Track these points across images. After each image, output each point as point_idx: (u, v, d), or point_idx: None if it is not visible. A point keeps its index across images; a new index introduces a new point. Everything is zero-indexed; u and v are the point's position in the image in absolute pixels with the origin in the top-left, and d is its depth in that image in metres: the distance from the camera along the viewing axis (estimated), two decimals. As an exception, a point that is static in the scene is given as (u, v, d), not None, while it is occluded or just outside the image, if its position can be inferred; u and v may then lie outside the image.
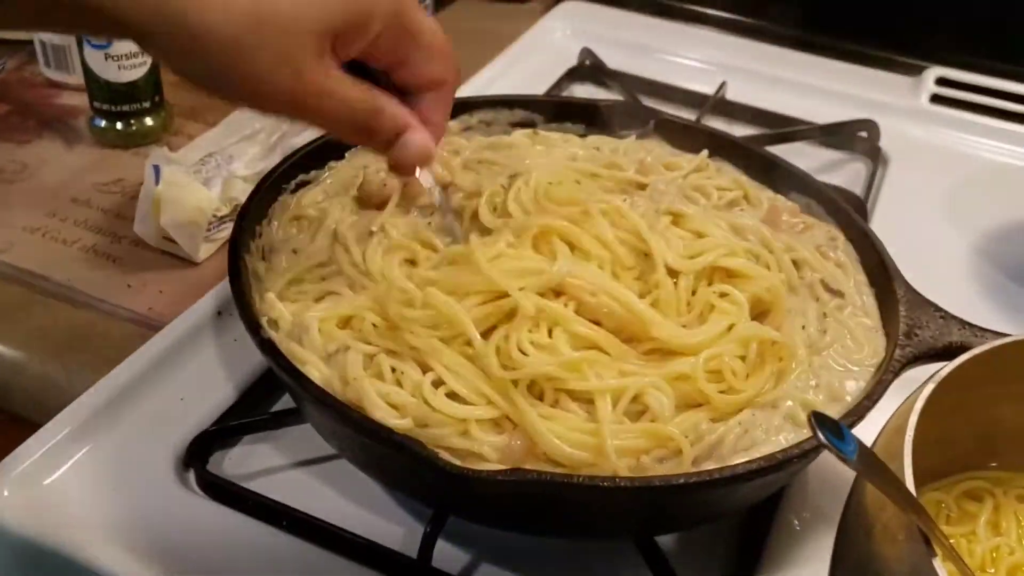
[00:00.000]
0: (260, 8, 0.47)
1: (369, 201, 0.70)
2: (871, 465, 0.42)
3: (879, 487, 0.42)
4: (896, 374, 0.60)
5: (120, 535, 0.61)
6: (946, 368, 0.51)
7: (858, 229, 0.72)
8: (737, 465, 0.53)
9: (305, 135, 0.90)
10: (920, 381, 0.52)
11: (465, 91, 1.08)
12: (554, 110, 0.84)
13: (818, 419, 0.40)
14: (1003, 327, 0.63)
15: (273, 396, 0.73)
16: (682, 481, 0.52)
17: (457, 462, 0.52)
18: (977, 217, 0.99)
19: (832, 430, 0.40)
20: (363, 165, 0.75)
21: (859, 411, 0.57)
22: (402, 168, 0.59)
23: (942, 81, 1.16)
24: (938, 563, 0.40)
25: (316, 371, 0.58)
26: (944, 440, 0.55)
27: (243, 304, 0.60)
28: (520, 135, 0.80)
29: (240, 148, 0.94)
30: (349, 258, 0.65)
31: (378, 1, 0.52)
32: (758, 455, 0.55)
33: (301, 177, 0.74)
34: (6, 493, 0.62)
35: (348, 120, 0.54)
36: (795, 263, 0.68)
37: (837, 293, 0.68)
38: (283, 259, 0.68)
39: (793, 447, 0.54)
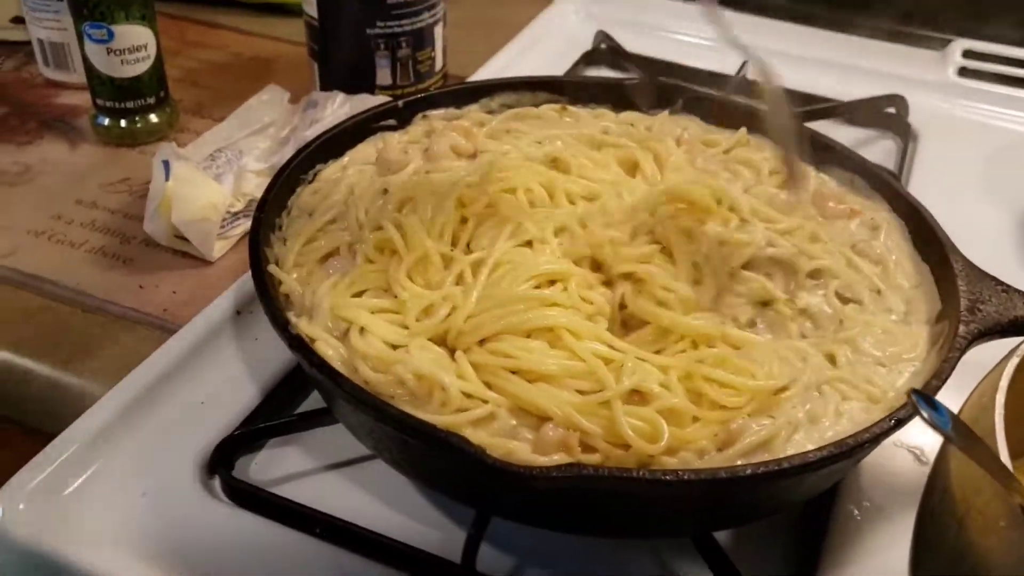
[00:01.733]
0: None
1: (389, 168, 0.68)
2: (968, 438, 0.38)
3: (978, 461, 0.38)
4: (963, 351, 0.57)
5: (144, 547, 0.57)
6: (1028, 341, 0.48)
7: (907, 204, 0.69)
8: (807, 453, 0.50)
9: (316, 128, 0.86)
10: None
11: (481, 76, 1.05)
12: (578, 91, 0.81)
13: (918, 394, 0.36)
14: (1055, 299, 0.60)
15: (299, 396, 0.69)
16: (749, 472, 0.48)
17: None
18: (1014, 189, 0.96)
19: (929, 404, 0.37)
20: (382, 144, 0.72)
21: (929, 391, 0.53)
22: None
23: (969, 54, 1.13)
24: (1050, 550, 0.37)
25: (330, 350, 0.55)
26: (1020, 420, 0.52)
27: (268, 299, 0.57)
28: (548, 108, 0.76)
29: (250, 142, 0.91)
30: (355, 213, 0.62)
31: None
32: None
33: (319, 167, 0.71)
34: (22, 507, 0.58)
35: None
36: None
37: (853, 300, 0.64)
38: (299, 224, 0.65)
39: (863, 431, 0.51)
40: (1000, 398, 0.44)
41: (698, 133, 0.73)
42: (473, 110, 0.78)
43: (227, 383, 0.68)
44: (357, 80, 0.96)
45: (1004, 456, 0.41)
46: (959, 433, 0.38)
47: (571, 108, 0.77)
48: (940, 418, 0.37)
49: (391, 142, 0.68)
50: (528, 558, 0.59)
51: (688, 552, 0.58)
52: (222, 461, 0.62)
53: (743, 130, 0.75)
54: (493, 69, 1.07)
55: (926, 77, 1.11)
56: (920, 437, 0.67)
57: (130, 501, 0.60)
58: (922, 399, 0.37)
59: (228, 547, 0.58)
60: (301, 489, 0.62)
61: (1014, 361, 0.46)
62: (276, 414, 0.67)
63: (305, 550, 0.58)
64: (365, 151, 0.73)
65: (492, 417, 0.53)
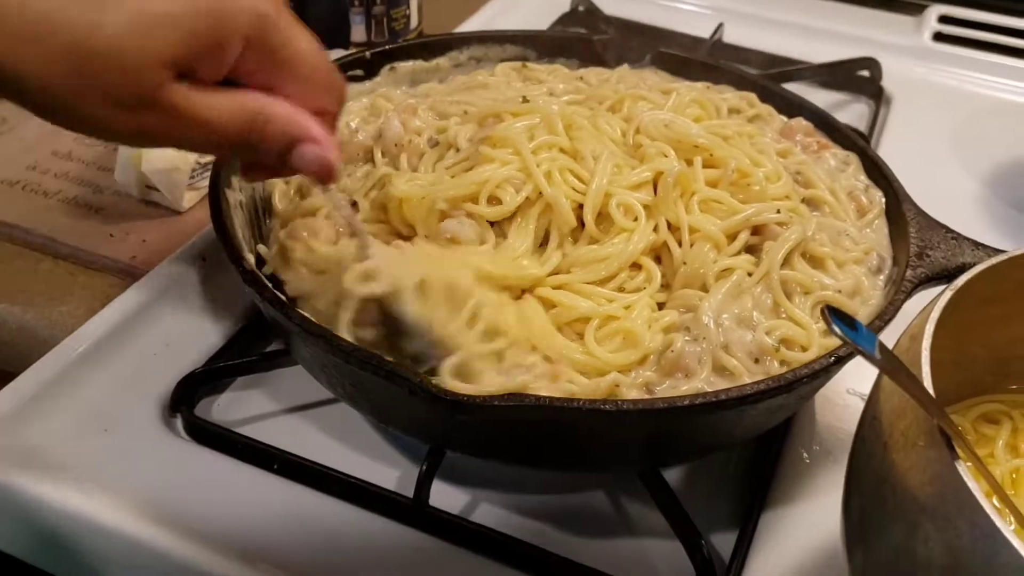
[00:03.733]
0: (77, 51, 0.41)
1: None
2: (892, 361, 0.39)
3: (899, 383, 0.39)
4: (908, 294, 0.58)
5: (104, 481, 0.59)
6: (963, 278, 0.48)
7: (865, 155, 0.70)
8: (745, 386, 0.51)
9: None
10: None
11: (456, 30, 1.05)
12: (547, 46, 0.81)
13: (832, 312, 0.37)
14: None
15: (262, 342, 0.70)
16: (687, 403, 0.49)
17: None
18: (982, 153, 0.97)
19: (847, 324, 0.37)
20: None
21: (872, 330, 0.54)
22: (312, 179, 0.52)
23: (944, 19, 1.13)
24: (961, 466, 0.38)
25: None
26: (959, 362, 0.53)
27: (225, 235, 0.58)
28: (505, 67, 0.77)
29: (224, 97, 0.92)
30: None
31: (230, 22, 0.45)
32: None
33: (285, 114, 0.71)
34: (-14, 439, 0.59)
35: (223, 138, 0.47)
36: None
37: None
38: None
39: (802, 367, 0.52)
40: (929, 328, 0.44)
41: (658, 83, 0.74)
42: (442, 62, 0.79)
43: (191, 327, 0.69)
44: (332, 37, 0.97)
45: (927, 383, 0.42)
46: (882, 355, 0.39)
47: (530, 66, 0.78)
48: (860, 337, 0.38)
49: (340, 129, 0.68)
50: (481, 495, 0.60)
51: (638, 489, 0.59)
52: (183, 399, 0.63)
53: (702, 85, 0.75)
54: (471, 27, 1.07)
55: (901, 41, 1.11)
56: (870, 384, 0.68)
57: (92, 437, 0.61)
58: (835, 315, 0.37)
59: (188, 483, 0.59)
60: (262, 430, 0.63)
61: (947, 295, 0.47)
62: (239, 356, 0.68)
63: (263, 486, 0.59)
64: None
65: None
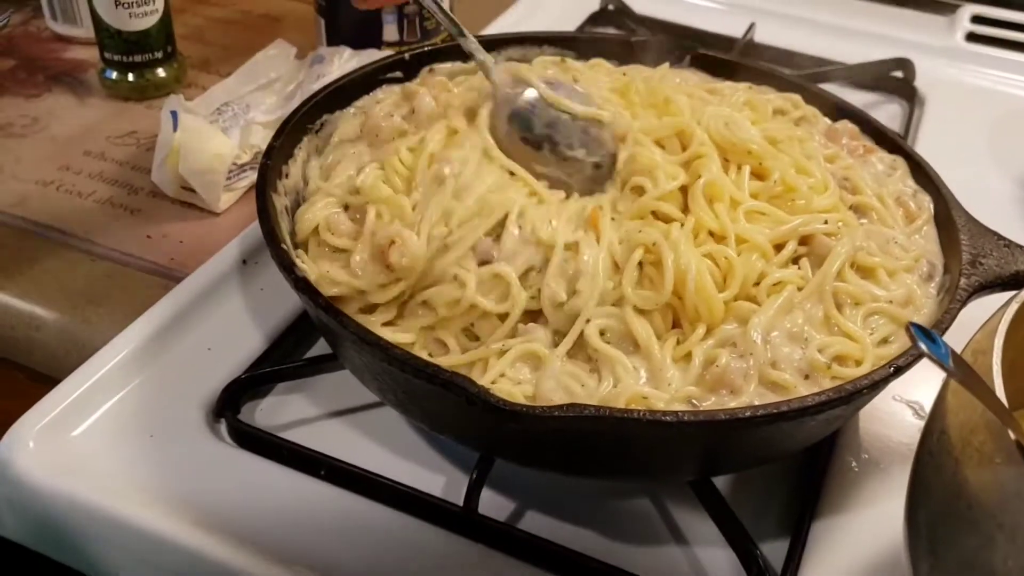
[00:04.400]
0: None
1: (378, 136, 0.67)
2: (968, 374, 0.39)
3: (977, 396, 0.39)
4: (963, 303, 0.58)
5: (149, 487, 0.58)
6: (1028, 289, 0.48)
7: (912, 160, 0.69)
8: (805, 397, 0.50)
9: (322, 82, 0.86)
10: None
11: (489, 32, 1.05)
12: (585, 47, 0.80)
13: (916, 328, 0.37)
14: (1056, 261, 0.61)
15: (305, 345, 0.70)
16: (748, 415, 0.49)
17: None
18: (1018, 154, 0.96)
19: (927, 338, 0.37)
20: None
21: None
22: None
23: (977, 19, 1.12)
24: (1043, 484, 0.37)
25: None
26: (1015, 373, 0.52)
27: (274, 242, 0.57)
28: (544, 60, 0.76)
29: (256, 97, 0.91)
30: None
31: None
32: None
33: (325, 117, 0.71)
34: (32, 445, 0.59)
35: None
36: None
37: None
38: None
39: (862, 378, 0.51)
40: (999, 341, 0.44)
41: (700, 83, 0.73)
42: (480, 64, 0.78)
43: (234, 330, 0.69)
44: (364, 36, 0.96)
45: (1001, 395, 0.41)
46: (958, 367, 0.38)
47: (569, 61, 0.77)
48: (939, 351, 0.37)
49: (373, 112, 0.68)
50: (529, 503, 0.60)
51: (687, 498, 0.58)
52: (228, 404, 0.63)
53: (745, 85, 0.74)
54: (500, 27, 1.07)
55: (934, 42, 1.10)
56: (919, 392, 0.68)
57: (137, 442, 0.61)
58: (920, 331, 0.37)
59: (233, 489, 0.59)
60: (306, 435, 0.63)
61: (1014, 307, 0.46)
62: (282, 361, 0.68)
63: (309, 492, 0.59)
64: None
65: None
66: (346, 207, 0.63)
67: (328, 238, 0.61)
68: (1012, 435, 0.39)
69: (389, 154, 0.63)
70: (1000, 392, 0.41)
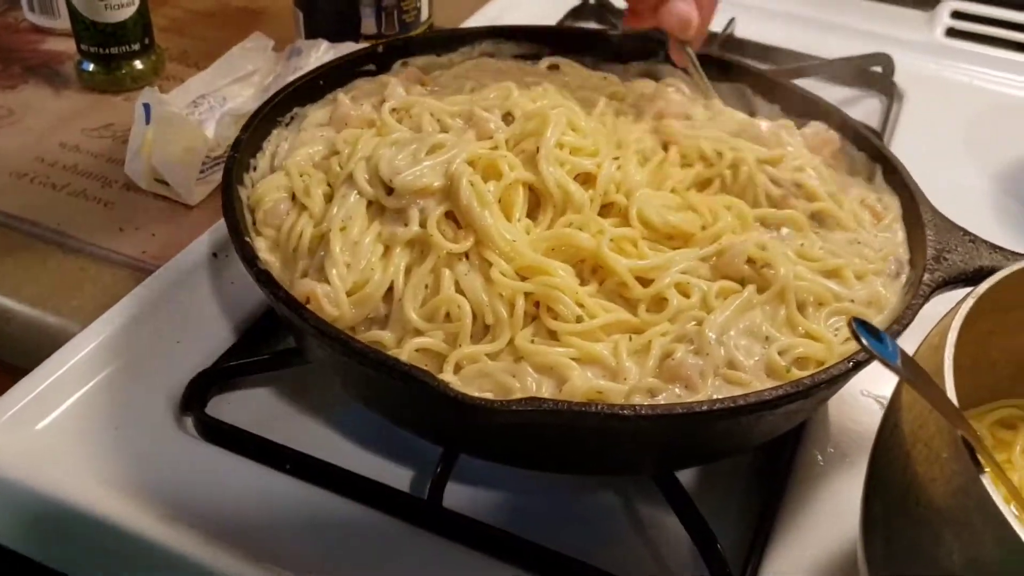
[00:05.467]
0: None
1: (347, 125, 0.68)
2: (915, 372, 0.39)
3: (923, 395, 0.39)
4: (926, 298, 0.58)
5: (115, 479, 0.58)
6: (984, 285, 0.48)
7: (881, 155, 0.70)
8: (763, 392, 0.50)
9: (299, 75, 0.86)
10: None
11: (469, 24, 1.05)
12: (560, 41, 0.80)
13: (859, 324, 0.37)
14: (1028, 256, 0.61)
15: (273, 339, 0.70)
16: (705, 408, 0.49)
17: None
18: (995, 150, 0.96)
19: (873, 336, 0.37)
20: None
21: (890, 335, 0.54)
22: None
23: (957, 14, 1.12)
24: (987, 480, 0.37)
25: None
26: (977, 367, 0.53)
27: (237, 234, 0.57)
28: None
29: (233, 90, 0.92)
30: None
31: None
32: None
33: (296, 110, 0.71)
34: (-5, 437, 0.59)
35: None
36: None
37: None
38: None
39: (820, 372, 0.52)
40: (952, 336, 0.44)
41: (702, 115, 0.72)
42: (454, 58, 0.78)
43: (203, 324, 0.69)
44: (342, 29, 0.96)
45: (951, 392, 0.41)
46: (905, 364, 0.39)
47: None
48: (885, 349, 0.38)
49: (342, 100, 0.69)
50: (494, 498, 0.60)
51: (651, 492, 0.59)
52: (195, 398, 0.63)
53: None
54: (480, 21, 1.07)
55: (913, 37, 1.11)
56: (886, 387, 0.68)
57: (103, 435, 0.61)
58: (863, 328, 0.37)
59: (199, 483, 0.59)
60: (273, 429, 0.63)
61: (969, 302, 0.46)
62: (251, 354, 0.67)
63: (275, 486, 0.59)
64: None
65: None
66: (293, 196, 0.63)
67: (264, 230, 0.62)
68: (958, 432, 0.39)
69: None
70: (950, 389, 0.41)
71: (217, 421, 0.62)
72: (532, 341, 0.55)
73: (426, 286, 0.57)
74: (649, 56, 0.80)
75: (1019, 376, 0.57)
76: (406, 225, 0.58)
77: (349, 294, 0.57)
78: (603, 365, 0.54)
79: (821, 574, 0.56)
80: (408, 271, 0.58)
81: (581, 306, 0.56)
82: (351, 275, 0.57)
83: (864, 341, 0.36)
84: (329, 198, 0.62)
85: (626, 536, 0.58)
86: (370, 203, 0.60)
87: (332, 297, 0.56)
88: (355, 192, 0.60)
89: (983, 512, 0.37)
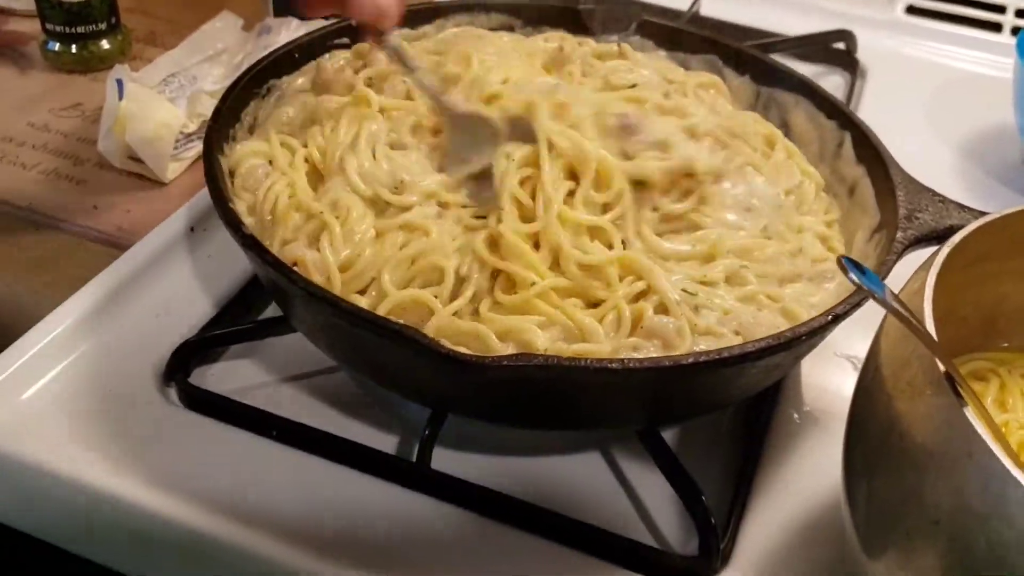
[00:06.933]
0: None
1: (329, 90, 0.68)
2: (901, 305, 0.40)
3: (909, 327, 0.40)
4: (899, 256, 0.59)
5: (100, 449, 0.58)
6: (959, 235, 0.49)
7: (851, 122, 0.71)
8: (746, 344, 0.51)
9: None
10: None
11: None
12: (533, 14, 0.81)
13: (847, 261, 0.38)
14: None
15: (255, 311, 0.70)
16: (691, 360, 0.50)
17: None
18: (956, 122, 0.99)
19: (858, 270, 0.38)
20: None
21: (863, 294, 0.55)
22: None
23: (917, -9, 1.15)
24: (969, 411, 0.39)
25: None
26: (949, 320, 0.54)
27: (221, 200, 0.57)
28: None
29: (203, 68, 0.91)
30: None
31: None
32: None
33: (272, 82, 0.71)
34: (-22, 409, 0.59)
35: None
36: None
37: None
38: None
39: (800, 325, 0.53)
40: (930, 281, 0.45)
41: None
42: (427, 31, 0.79)
43: (182, 297, 0.69)
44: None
45: (931, 330, 0.43)
46: (890, 297, 0.40)
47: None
48: (872, 283, 0.39)
49: (324, 65, 0.69)
50: (481, 460, 0.61)
51: (636, 450, 0.60)
52: (178, 367, 0.63)
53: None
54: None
55: (875, 14, 1.13)
56: (859, 347, 0.69)
57: (87, 405, 0.61)
58: (851, 263, 0.38)
59: (185, 451, 0.59)
60: (257, 399, 0.63)
61: (944, 251, 0.48)
62: (231, 325, 0.67)
63: (262, 453, 0.59)
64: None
65: None
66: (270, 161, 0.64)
67: (242, 193, 0.63)
68: (941, 366, 0.41)
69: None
70: (931, 327, 0.43)
71: (201, 390, 0.62)
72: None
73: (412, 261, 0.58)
74: (619, 30, 0.81)
75: (988, 330, 0.59)
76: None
77: (342, 269, 0.57)
78: (562, 326, 0.55)
79: (800, 523, 0.58)
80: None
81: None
82: (345, 247, 0.58)
83: (853, 276, 0.38)
84: (313, 169, 0.62)
85: (613, 492, 0.60)
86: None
87: (320, 266, 0.56)
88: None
89: (967, 443, 0.38)
